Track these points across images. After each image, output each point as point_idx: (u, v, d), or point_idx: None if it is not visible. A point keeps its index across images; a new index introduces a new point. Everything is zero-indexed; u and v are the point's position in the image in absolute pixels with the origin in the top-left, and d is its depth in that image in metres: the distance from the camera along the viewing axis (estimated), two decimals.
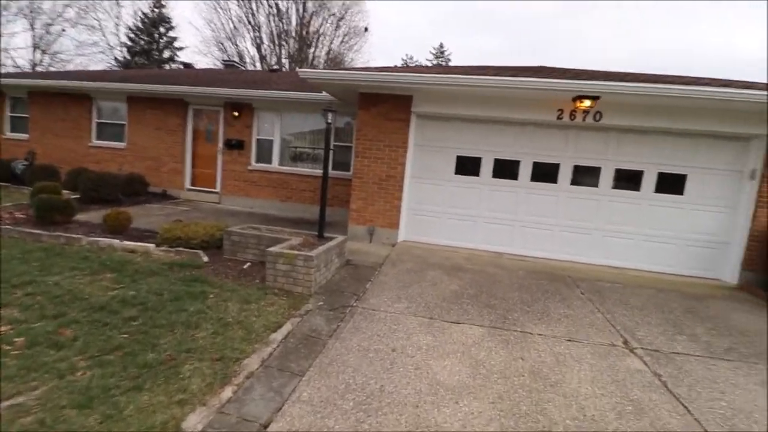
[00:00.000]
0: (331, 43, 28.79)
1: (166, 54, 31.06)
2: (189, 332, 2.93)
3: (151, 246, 4.94)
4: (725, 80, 5.80)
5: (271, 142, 9.34)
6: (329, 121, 4.77)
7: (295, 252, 4.09)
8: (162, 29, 30.49)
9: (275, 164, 9.30)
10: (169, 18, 30.51)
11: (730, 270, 6.07)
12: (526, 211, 6.58)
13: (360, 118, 6.56)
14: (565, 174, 6.45)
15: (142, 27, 29.84)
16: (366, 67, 10.21)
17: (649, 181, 6.29)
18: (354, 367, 2.74)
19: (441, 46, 41.49)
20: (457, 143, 6.63)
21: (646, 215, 6.32)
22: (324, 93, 7.60)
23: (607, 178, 6.38)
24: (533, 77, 5.60)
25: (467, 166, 6.68)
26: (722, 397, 2.76)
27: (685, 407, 2.60)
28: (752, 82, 5.60)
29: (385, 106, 6.41)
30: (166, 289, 3.66)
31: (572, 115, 5.99)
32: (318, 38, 27.96)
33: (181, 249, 4.86)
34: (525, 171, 6.53)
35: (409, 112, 6.39)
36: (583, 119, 5.99)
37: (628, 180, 6.37)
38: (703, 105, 5.53)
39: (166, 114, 9.79)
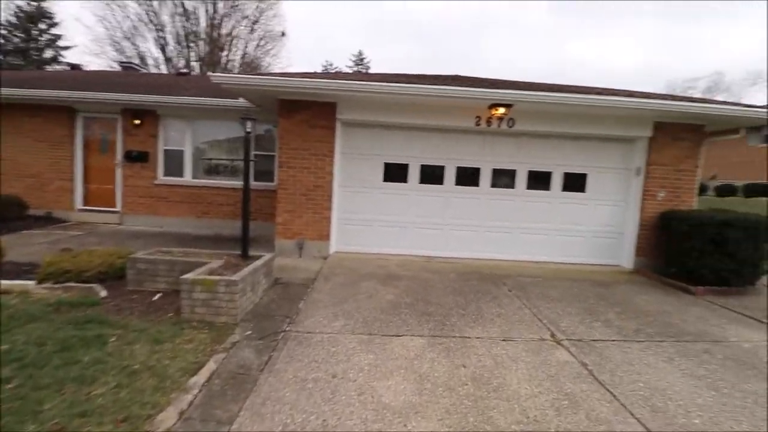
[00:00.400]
0: (246, 46, 27.46)
1: (48, 54, 27.07)
2: (83, 390, 2.41)
3: (31, 283, 4.10)
4: (613, 89, 6.58)
5: (181, 152, 8.48)
6: (248, 130, 4.40)
7: (216, 277, 3.67)
8: (42, 26, 26.50)
9: (188, 177, 8.45)
10: (50, 13, 26.66)
11: (626, 257, 6.87)
12: (452, 214, 6.79)
13: (282, 126, 6.21)
14: (485, 177, 6.79)
15: (16, 22, 25.64)
16: (286, 72, 9.75)
17: (557, 181, 6.88)
18: (291, 403, 2.48)
19: (360, 53, 42.02)
20: (383, 150, 6.62)
21: (557, 212, 6.91)
22: (241, 99, 7.09)
23: (521, 179, 6.84)
24: (452, 86, 5.78)
25: (395, 172, 6.70)
26: (639, 378, 3.02)
27: (611, 393, 2.79)
28: (634, 91, 6.43)
29: (307, 114, 6.16)
30: (51, 338, 3.02)
31: (488, 121, 6.32)
32: (231, 41, 26.48)
33: (71, 284, 4.10)
34: (450, 176, 6.74)
35: (334, 120, 6.22)
36: (498, 125, 6.35)
37: (540, 180, 6.90)
38: (596, 112, 6.19)
39: (48, 123, 8.38)
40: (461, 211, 6.79)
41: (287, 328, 3.60)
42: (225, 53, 26.17)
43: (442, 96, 5.67)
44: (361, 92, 5.71)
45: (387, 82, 5.77)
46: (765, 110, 5.83)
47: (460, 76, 8.03)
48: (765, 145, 17.00)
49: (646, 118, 6.41)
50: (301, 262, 5.97)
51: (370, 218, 6.70)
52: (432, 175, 6.74)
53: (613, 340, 3.74)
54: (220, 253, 4.76)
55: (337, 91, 5.71)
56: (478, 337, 3.64)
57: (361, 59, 41.72)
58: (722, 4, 57.75)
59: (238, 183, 8.26)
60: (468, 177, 6.78)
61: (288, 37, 38.83)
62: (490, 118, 6.27)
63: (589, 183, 6.91)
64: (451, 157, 6.70)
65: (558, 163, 6.84)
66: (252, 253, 4.72)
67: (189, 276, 3.66)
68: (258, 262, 4.29)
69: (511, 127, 6.36)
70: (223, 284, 3.59)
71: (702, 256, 5.57)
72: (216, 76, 5.54)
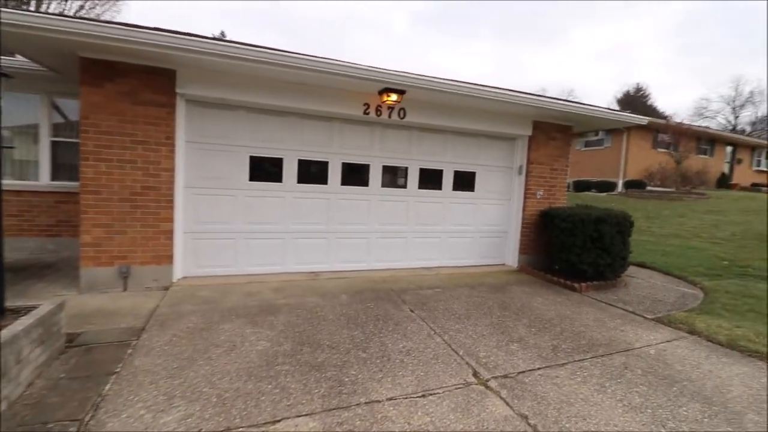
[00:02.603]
0: (65, 7, 21.33)
1: None
2: None
3: None
4: (499, 86, 6.34)
5: None
6: None
7: None
8: None
9: None
10: None
11: (511, 255, 6.84)
12: (339, 219, 5.70)
13: (87, 99, 4.16)
14: (375, 175, 5.89)
15: None
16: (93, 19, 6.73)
17: (448, 180, 6.42)
18: None
19: (222, 34, 37.50)
20: (249, 140, 5.11)
21: (448, 213, 6.46)
22: (19, 57, 4.67)
23: (413, 178, 6.16)
24: (338, 61, 4.65)
25: (266, 169, 5.26)
26: (587, 427, 2.42)
27: None
28: (519, 90, 6.30)
29: (130, 83, 4.26)
30: None
31: (378, 110, 5.41)
32: None
33: None
34: (335, 173, 5.62)
35: (173, 95, 4.46)
36: (389, 115, 5.50)
37: (432, 179, 6.34)
38: (487, 106, 5.85)
39: None
40: (350, 216, 5.76)
41: None
42: (31, 10, 19.79)
43: (326, 71, 4.48)
44: (214, 55, 4.07)
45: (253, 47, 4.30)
46: (633, 116, 6.40)
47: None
48: (588, 148, 20.42)
49: (528, 117, 6.39)
50: (126, 300, 4.10)
51: (235, 229, 5.13)
52: (313, 172, 5.53)
53: (539, 369, 3.17)
54: None
55: (178, 50, 3.95)
56: (390, 399, 2.62)
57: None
58: (541, 34, 70.48)
59: (30, 183, 5.65)
60: (356, 175, 5.78)
61: (127, 2, 32.09)
62: (380, 106, 5.37)
63: (478, 182, 6.64)
64: (336, 152, 5.59)
65: (449, 160, 6.37)
66: (14, 305, 2.81)
67: None
68: (20, 325, 2.46)
69: (402, 118, 5.58)
70: None
71: (583, 252, 5.70)
72: None
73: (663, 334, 4.07)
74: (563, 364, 3.28)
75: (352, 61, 4.59)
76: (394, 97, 5.01)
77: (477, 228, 6.71)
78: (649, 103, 42.76)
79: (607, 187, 18.74)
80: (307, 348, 3.27)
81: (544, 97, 5.66)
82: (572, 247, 5.78)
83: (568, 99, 5.90)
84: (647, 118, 6.58)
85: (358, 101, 5.26)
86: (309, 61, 4.33)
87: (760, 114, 45.67)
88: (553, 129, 6.71)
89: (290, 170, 5.35)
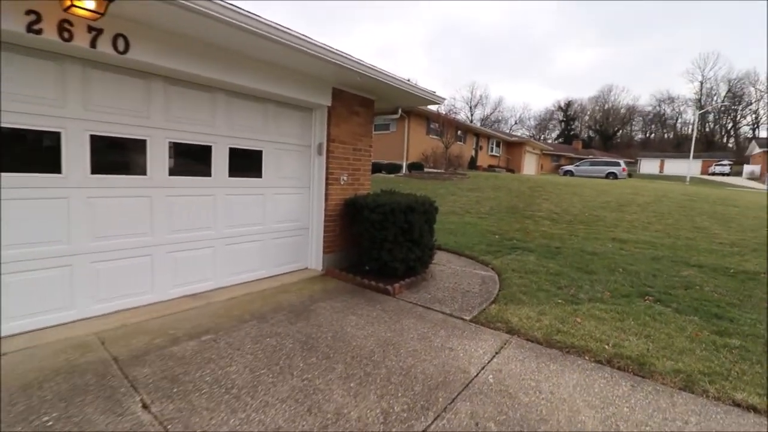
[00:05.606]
0: None
1: None
2: None
3: None
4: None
5: None
6: None
7: None
8: None
9: None
10: None
11: (314, 256, 5.52)
12: (8, 238, 2.95)
13: None
14: (79, 154, 3.34)
15: None
16: None
17: (220, 161, 4.44)
18: None
19: None
20: None
21: (223, 209, 4.51)
22: None
23: (161, 158, 3.90)
24: None
25: None
26: None
27: None
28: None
29: None
30: None
31: (65, 29, 2.90)
32: None
33: None
34: None
35: None
36: (92, 44, 3.06)
37: (194, 161, 4.24)
38: (269, 54, 4.15)
39: None
40: (33, 229, 3.06)
41: None
42: None
43: None
44: None
45: None
46: (436, 94, 5.96)
47: None
48: (377, 132, 21.30)
49: (327, 81, 5.03)
50: None
51: None
52: None
53: None
54: None
55: None
56: None
57: None
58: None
59: None
60: (39, 154, 3.11)
61: None
62: (68, 21, 2.87)
63: (266, 164, 4.93)
64: None
65: (222, 133, 4.38)
66: None
67: None
68: None
69: (123, 52, 3.23)
70: None
71: (394, 247, 4.87)
72: None
73: (488, 342, 3.49)
74: None
75: None
76: (89, 3, 2.65)
77: (268, 227, 5.03)
78: None
79: (395, 168, 20.12)
80: None
81: (349, 54, 4.37)
82: (383, 242, 4.88)
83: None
84: (444, 98, 6.30)
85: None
86: None
87: (486, 113, 60.57)
88: (356, 101, 5.62)
89: None
